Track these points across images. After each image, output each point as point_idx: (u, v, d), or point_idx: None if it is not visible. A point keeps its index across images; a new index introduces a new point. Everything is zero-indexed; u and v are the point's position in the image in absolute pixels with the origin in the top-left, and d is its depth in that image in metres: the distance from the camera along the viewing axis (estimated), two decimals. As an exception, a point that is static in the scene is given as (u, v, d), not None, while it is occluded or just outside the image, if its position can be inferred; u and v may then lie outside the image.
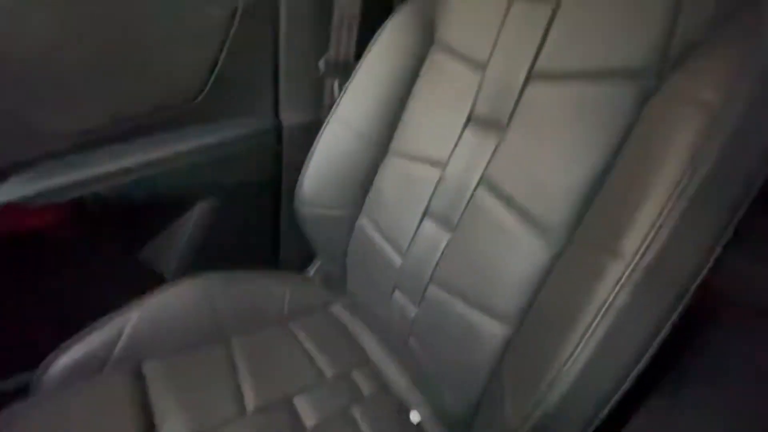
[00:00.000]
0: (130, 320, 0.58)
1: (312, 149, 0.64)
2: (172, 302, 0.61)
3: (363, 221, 0.64)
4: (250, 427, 0.51)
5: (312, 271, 0.81)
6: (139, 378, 0.54)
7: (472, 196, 0.49)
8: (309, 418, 0.54)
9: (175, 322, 0.60)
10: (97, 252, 0.64)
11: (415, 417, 0.58)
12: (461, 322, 0.49)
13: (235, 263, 0.68)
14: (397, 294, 0.60)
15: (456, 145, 0.52)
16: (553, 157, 0.43)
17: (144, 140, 0.62)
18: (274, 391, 0.56)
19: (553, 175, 0.42)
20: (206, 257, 0.70)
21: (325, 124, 0.63)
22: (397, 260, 0.59)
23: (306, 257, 0.82)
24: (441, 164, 0.53)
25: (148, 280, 0.69)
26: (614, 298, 0.30)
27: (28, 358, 0.55)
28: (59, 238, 0.58)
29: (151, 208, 0.63)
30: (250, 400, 0.54)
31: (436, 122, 0.55)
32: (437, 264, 0.53)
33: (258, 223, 0.76)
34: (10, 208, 0.50)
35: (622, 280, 0.29)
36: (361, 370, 0.63)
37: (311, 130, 0.66)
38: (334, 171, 0.64)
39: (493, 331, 0.45)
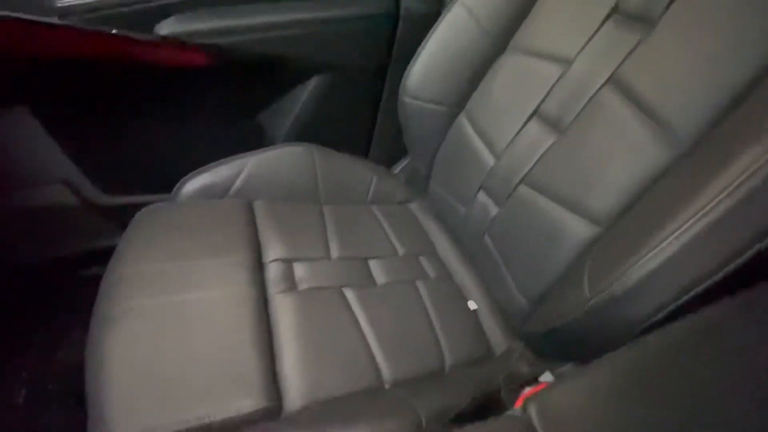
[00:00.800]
0: (247, 165, 0.67)
1: (427, 38, 0.64)
2: (281, 160, 0.70)
3: (462, 119, 0.65)
4: (333, 268, 0.59)
5: (397, 169, 0.85)
6: (250, 210, 0.64)
7: (594, 95, 0.47)
8: (380, 277, 0.61)
9: (282, 176, 0.69)
10: (229, 102, 0.74)
11: (472, 305, 0.63)
12: (547, 222, 0.50)
13: (330, 143, 0.75)
14: (482, 194, 0.62)
15: (589, 41, 0.49)
16: (703, 58, 0.39)
17: (277, 4, 0.67)
18: (353, 250, 0.63)
19: (698, 78, 0.39)
20: (309, 131, 0.77)
21: (446, 11, 0.62)
22: (490, 161, 0.60)
23: (393, 156, 0.86)
24: (566, 61, 0.51)
25: (261, 138, 0.78)
26: (743, 180, 0.29)
27: (169, 178, 0.68)
28: (202, 79, 0.68)
29: (276, 72, 0.70)
30: (334, 251, 0.62)
31: (571, 16, 0.52)
32: (533, 165, 0.53)
33: (359, 110, 0.81)
34: (169, 41, 0.59)
35: (761, 160, 0.28)
36: (428, 258, 0.68)
37: (429, 22, 0.65)
38: (445, 63, 0.64)
39: (581, 231, 0.46)
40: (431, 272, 0.66)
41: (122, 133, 0.71)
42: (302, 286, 0.55)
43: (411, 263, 0.66)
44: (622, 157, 0.43)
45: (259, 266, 0.55)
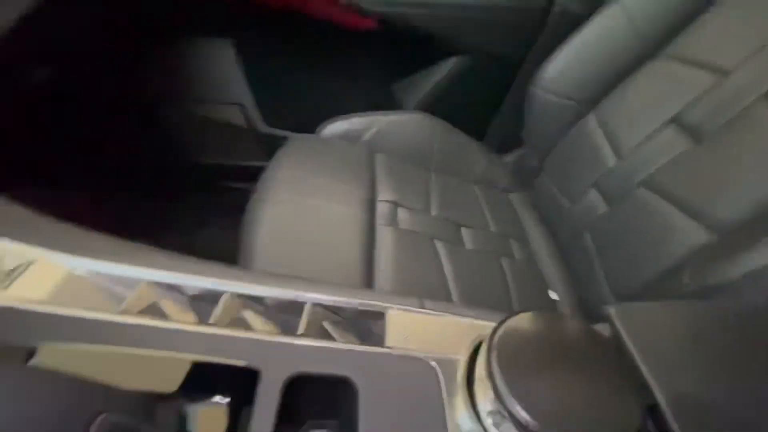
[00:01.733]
0: (378, 122, 0.78)
1: (574, 34, 0.66)
2: (407, 124, 0.78)
3: (591, 117, 0.66)
4: (429, 221, 0.65)
5: (508, 158, 0.88)
6: (372, 159, 0.74)
7: (747, 107, 0.46)
8: (468, 243, 0.66)
9: (404, 138, 0.78)
10: (377, 66, 0.85)
11: (553, 295, 0.64)
12: (659, 226, 0.49)
13: (452, 120, 0.81)
14: (593, 192, 0.63)
15: (755, 54, 0.47)
16: None
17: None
18: (450, 214, 0.69)
19: None
20: (437, 105, 0.85)
21: (602, 10, 0.63)
22: (611, 161, 0.61)
23: (506, 145, 0.89)
24: (722, 71, 0.49)
25: (393, 102, 0.89)
26: None
27: (314, 120, 0.81)
28: (363, 42, 0.80)
29: (424, 47, 0.79)
30: (434, 209, 0.69)
31: (740, 29, 0.50)
32: (659, 169, 0.53)
33: (487, 95, 0.86)
34: (351, 4, 0.72)
35: None
36: (518, 242, 0.71)
37: (578, 23, 0.67)
38: (588, 61, 0.65)
39: (695, 237, 0.44)
40: (518, 255, 0.68)
41: (290, 77, 0.87)
42: (402, 226, 0.63)
43: (500, 241, 0.69)
44: (764, 170, 0.42)
45: (372, 201, 0.64)
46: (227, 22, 0.84)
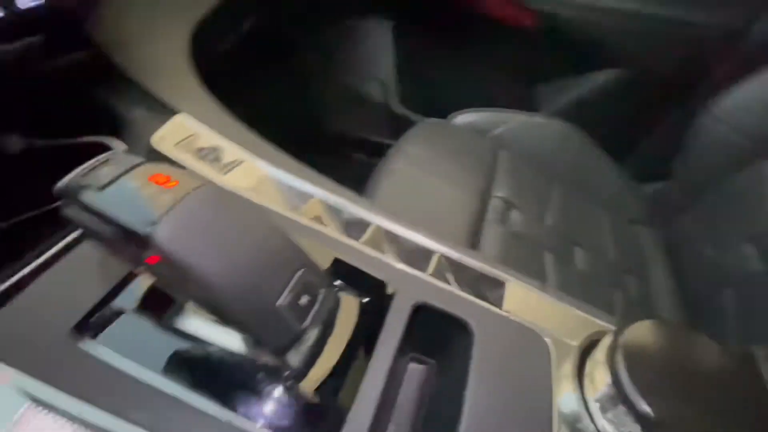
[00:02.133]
0: (512, 120, 0.77)
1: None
2: (543, 129, 0.77)
3: (772, 162, 0.57)
4: (541, 231, 0.64)
5: (647, 188, 0.80)
6: (495, 154, 0.74)
7: None
8: (579, 264, 0.62)
9: (534, 141, 0.76)
10: (522, 64, 0.84)
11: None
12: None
13: (594, 134, 0.76)
14: (748, 246, 0.54)
15: None
16: None
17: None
18: (564, 229, 0.66)
19: None
20: (578, 114, 0.80)
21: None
22: (785, 216, 0.52)
23: (648, 173, 0.80)
24: None
25: (531, 103, 0.86)
26: None
27: (444, 110, 0.84)
28: (513, 39, 0.79)
29: (577, 52, 0.75)
30: (549, 220, 0.66)
31: None
32: None
33: (638, 115, 0.78)
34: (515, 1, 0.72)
35: None
36: (637, 279, 0.64)
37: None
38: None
39: None
40: (634, 291, 0.62)
41: (435, 64, 0.91)
42: (512, 228, 0.62)
43: (616, 272, 0.64)
44: None
45: (487, 194, 0.65)
46: (392, 5, 0.90)
